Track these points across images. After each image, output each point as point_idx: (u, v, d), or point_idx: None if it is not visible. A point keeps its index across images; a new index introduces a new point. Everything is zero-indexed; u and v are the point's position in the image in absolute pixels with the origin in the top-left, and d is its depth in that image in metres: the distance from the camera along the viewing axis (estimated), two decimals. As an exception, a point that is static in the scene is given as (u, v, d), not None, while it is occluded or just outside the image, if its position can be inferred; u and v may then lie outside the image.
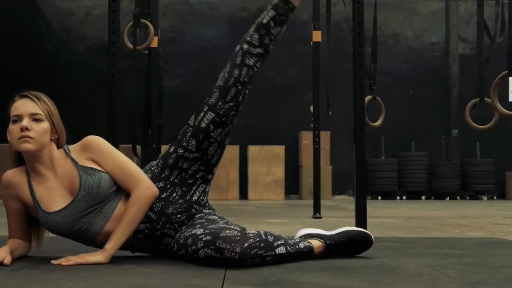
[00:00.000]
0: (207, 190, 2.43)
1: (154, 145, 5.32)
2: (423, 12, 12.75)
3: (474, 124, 5.47)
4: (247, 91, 2.40)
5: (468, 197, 11.84)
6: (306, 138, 11.55)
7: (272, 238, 2.17)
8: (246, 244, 2.06)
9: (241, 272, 1.98)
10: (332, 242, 2.37)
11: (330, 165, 11.60)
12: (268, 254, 2.13)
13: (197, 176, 2.36)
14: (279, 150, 11.37)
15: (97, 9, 12.21)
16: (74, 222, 2.22)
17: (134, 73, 5.08)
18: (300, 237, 2.44)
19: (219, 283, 1.78)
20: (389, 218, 5.49)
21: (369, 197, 11.98)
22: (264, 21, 2.42)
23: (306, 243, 2.30)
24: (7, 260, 2.12)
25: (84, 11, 12.23)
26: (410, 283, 1.80)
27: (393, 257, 2.45)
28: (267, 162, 11.24)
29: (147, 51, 5.51)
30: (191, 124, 2.34)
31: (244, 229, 2.17)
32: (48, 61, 11.85)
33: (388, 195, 11.59)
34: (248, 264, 2.07)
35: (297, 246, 2.25)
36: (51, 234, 2.41)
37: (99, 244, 2.29)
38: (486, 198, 11.65)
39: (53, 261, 2.14)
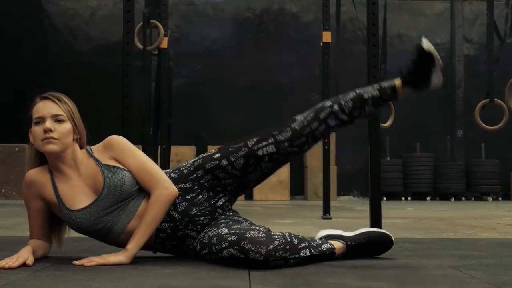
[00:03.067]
0: (233, 199, 2.42)
1: (163, 146, 5.33)
2: (428, 13, 12.73)
3: (484, 125, 5.48)
4: (313, 145, 2.40)
5: (473, 198, 11.82)
6: (311, 139, 11.53)
7: (296, 241, 2.17)
8: (271, 246, 2.06)
9: (265, 273, 1.97)
10: (353, 243, 2.37)
11: (335, 166, 11.58)
12: (293, 256, 2.12)
13: (228, 188, 2.36)
14: (284, 150, 11.34)
15: (102, 9, 12.22)
16: (97, 220, 2.23)
17: (144, 74, 5.09)
18: (321, 238, 2.44)
19: (245, 284, 1.78)
20: (398, 219, 5.49)
21: (374, 197, 11.97)
22: (365, 96, 2.39)
23: (328, 245, 2.30)
24: (30, 260, 2.13)
25: (89, 11, 12.23)
26: (437, 284, 1.79)
27: (413, 258, 2.45)
28: (272, 162, 11.22)
29: (156, 52, 5.52)
30: (249, 146, 2.32)
31: (269, 230, 2.16)
32: (52, 62, 11.84)
33: (393, 196, 11.57)
34: (272, 266, 2.07)
35: (320, 249, 2.25)
36: (69, 234, 2.41)
37: (121, 243, 2.29)
38: (491, 199, 11.63)
39: (75, 262, 2.14)
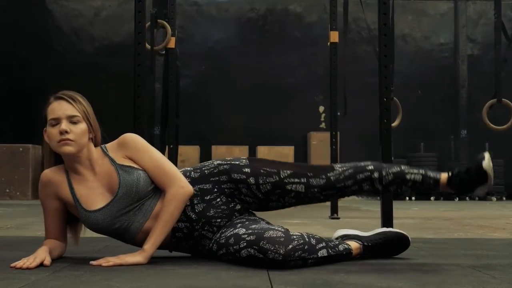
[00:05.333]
0: (250, 209, 2.42)
1: (171, 146, 5.32)
2: (431, 13, 12.73)
3: (492, 125, 5.48)
4: (338, 199, 2.43)
5: (477, 198, 11.80)
6: (315, 139, 11.54)
7: (314, 241, 2.17)
8: (290, 246, 2.06)
9: (284, 273, 1.97)
10: (369, 244, 2.37)
11: (339, 166, 11.56)
12: (311, 257, 2.12)
13: (245, 204, 2.36)
14: (288, 150, 11.34)
15: (105, 9, 12.22)
16: (114, 220, 2.22)
17: (151, 74, 5.08)
18: (337, 238, 2.44)
19: (267, 284, 1.77)
20: (406, 218, 5.48)
21: (378, 197, 11.96)
22: (408, 177, 2.33)
23: (345, 245, 2.30)
24: (47, 260, 2.12)
25: (93, 11, 12.23)
26: (459, 285, 1.79)
27: (429, 258, 2.44)
28: (276, 162, 11.20)
29: (163, 52, 5.51)
30: (281, 177, 2.31)
31: (288, 230, 2.16)
32: (56, 62, 11.85)
33: (397, 196, 11.55)
34: (291, 266, 2.07)
35: (337, 249, 2.25)
36: (85, 234, 2.41)
37: (138, 242, 2.29)
38: (495, 199, 11.63)
39: (92, 262, 2.14)
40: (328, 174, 2.32)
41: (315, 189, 2.31)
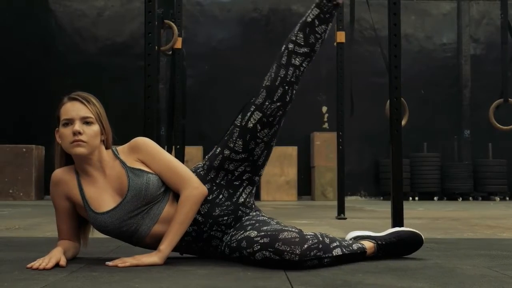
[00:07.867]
0: (253, 192, 2.42)
1: (178, 146, 5.32)
2: (434, 13, 12.73)
3: (498, 125, 5.47)
4: (294, 91, 2.39)
5: (480, 198, 11.81)
6: (318, 139, 11.54)
7: (328, 240, 2.17)
8: (305, 246, 2.06)
9: (302, 274, 1.97)
10: (383, 243, 2.37)
11: (342, 166, 11.55)
12: (326, 255, 2.12)
13: (244, 177, 2.36)
14: (292, 150, 11.35)
15: (108, 10, 12.22)
16: (122, 223, 2.22)
17: (159, 74, 5.07)
18: (351, 239, 2.43)
19: (287, 285, 1.77)
20: (413, 219, 5.48)
21: (382, 197, 11.97)
22: (309, 19, 2.40)
23: (359, 244, 2.30)
24: (63, 261, 2.12)
25: (96, 11, 12.24)
26: (478, 284, 1.79)
27: (443, 258, 2.44)
28: (280, 162, 11.23)
29: (170, 52, 5.51)
30: (238, 124, 2.33)
31: (301, 230, 2.16)
32: (59, 62, 11.85)
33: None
34: (307, 266, 2.07)
35: (351, 248, 2.25)
36: (93, 235, 2.40)
37: (146, 245, 2.29)
38: (498, 199, 11.62)
39: (108, 263, 2.14)
40: (264, 84, 2.35)
41: (266, 103, 2.31)
